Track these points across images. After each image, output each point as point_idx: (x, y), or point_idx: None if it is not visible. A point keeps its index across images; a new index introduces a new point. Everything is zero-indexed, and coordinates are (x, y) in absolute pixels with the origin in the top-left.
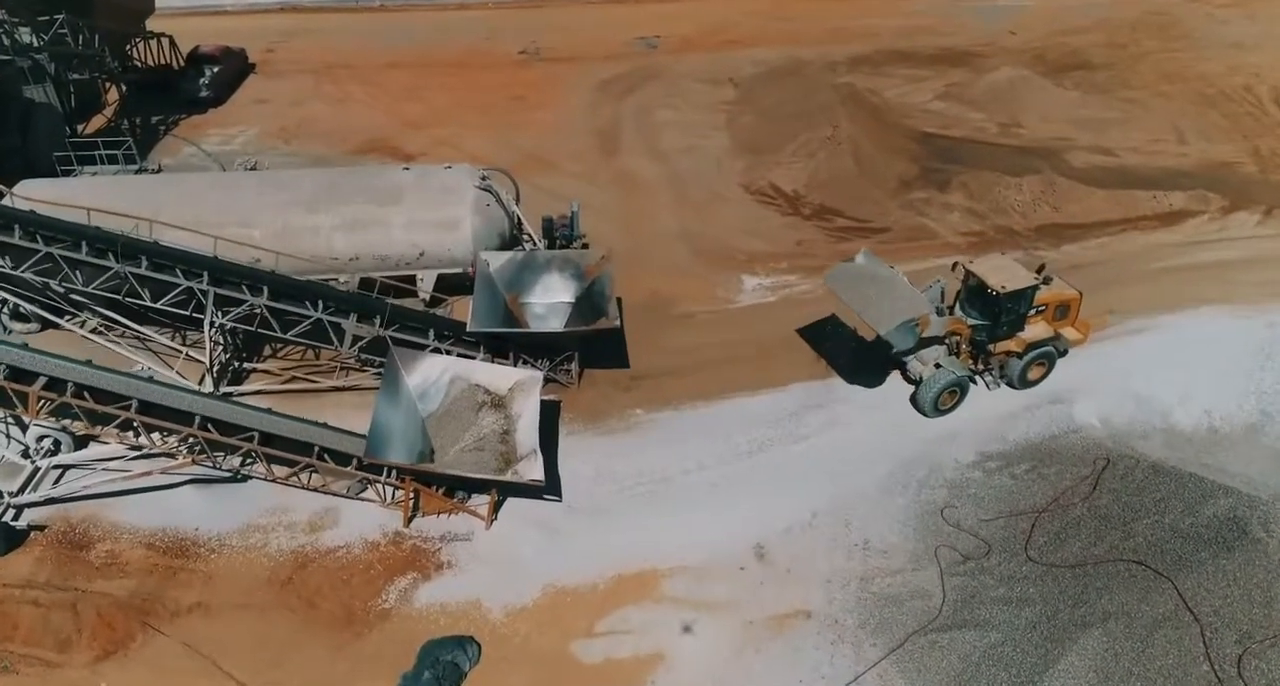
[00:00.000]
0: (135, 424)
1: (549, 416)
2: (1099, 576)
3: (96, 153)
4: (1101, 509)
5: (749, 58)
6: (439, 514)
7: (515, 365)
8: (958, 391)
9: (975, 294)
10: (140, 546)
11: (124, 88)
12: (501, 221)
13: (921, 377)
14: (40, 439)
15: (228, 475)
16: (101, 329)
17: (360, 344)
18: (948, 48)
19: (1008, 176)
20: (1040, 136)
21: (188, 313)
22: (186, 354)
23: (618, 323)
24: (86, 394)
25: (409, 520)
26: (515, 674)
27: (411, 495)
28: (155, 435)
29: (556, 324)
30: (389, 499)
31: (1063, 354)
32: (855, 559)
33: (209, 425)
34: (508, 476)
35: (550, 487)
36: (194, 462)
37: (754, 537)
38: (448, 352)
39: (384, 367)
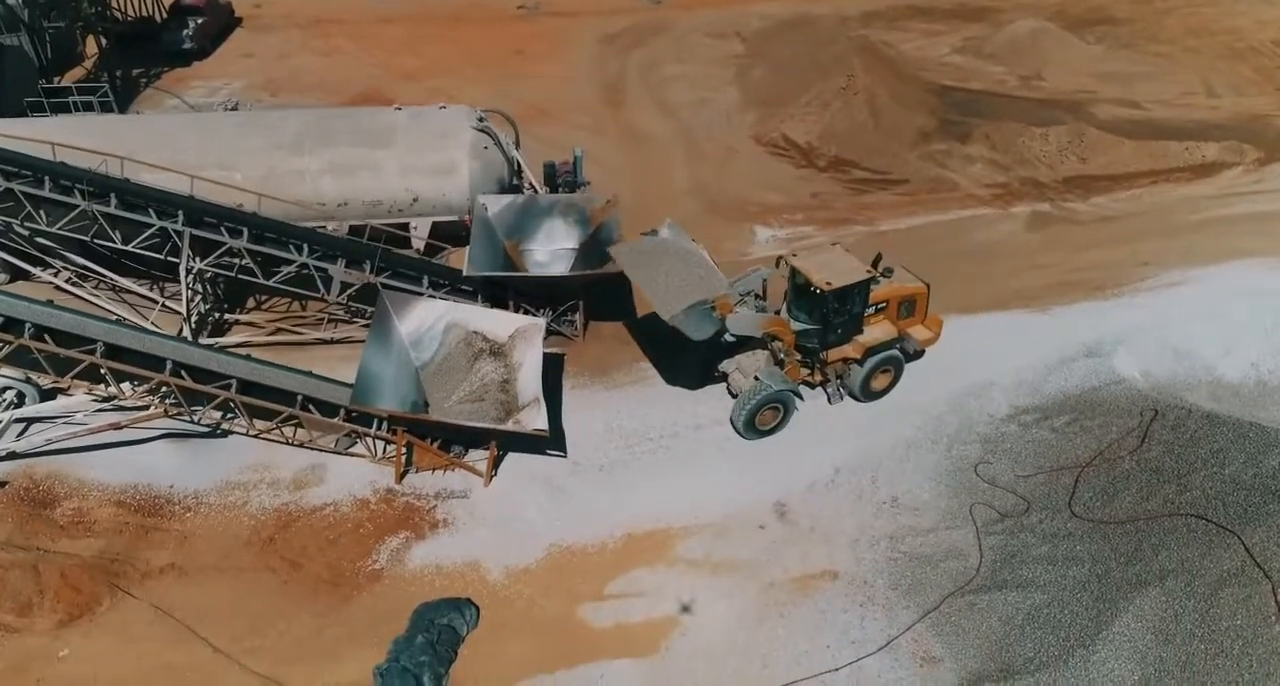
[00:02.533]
0: (102, 371)
1: (553, 370)
2: (1153, 532)
3: (70, 100)
4: (1152, 461)
5: (757, 12)
6: (434, 470)
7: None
8: (779, 409)
9: (801, 293)
10: (109, 504)
11: (104, 40)
12: (500, 166)
13: (739, 391)
14: (2, 391)
15: (206, 429)
16: (76, 280)
17: (349, 292)
18: (963, 3)
19: (1032, 127)
20: (1063, 89)
21: (162, 256)
22: (163, 304)
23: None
24: (47, 337)
25: (401, 476)
26: (517, 639)
27: (404, 450)
28: (126, 385)
29: (560, 270)
30: (380, 453)
31: (915, 356)
32: (884, 517)
33: (182, 372)
34: (509, 426)
35: (555, 443)
36: (167, 414)
37: (774, 495)
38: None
39: (373, 313)
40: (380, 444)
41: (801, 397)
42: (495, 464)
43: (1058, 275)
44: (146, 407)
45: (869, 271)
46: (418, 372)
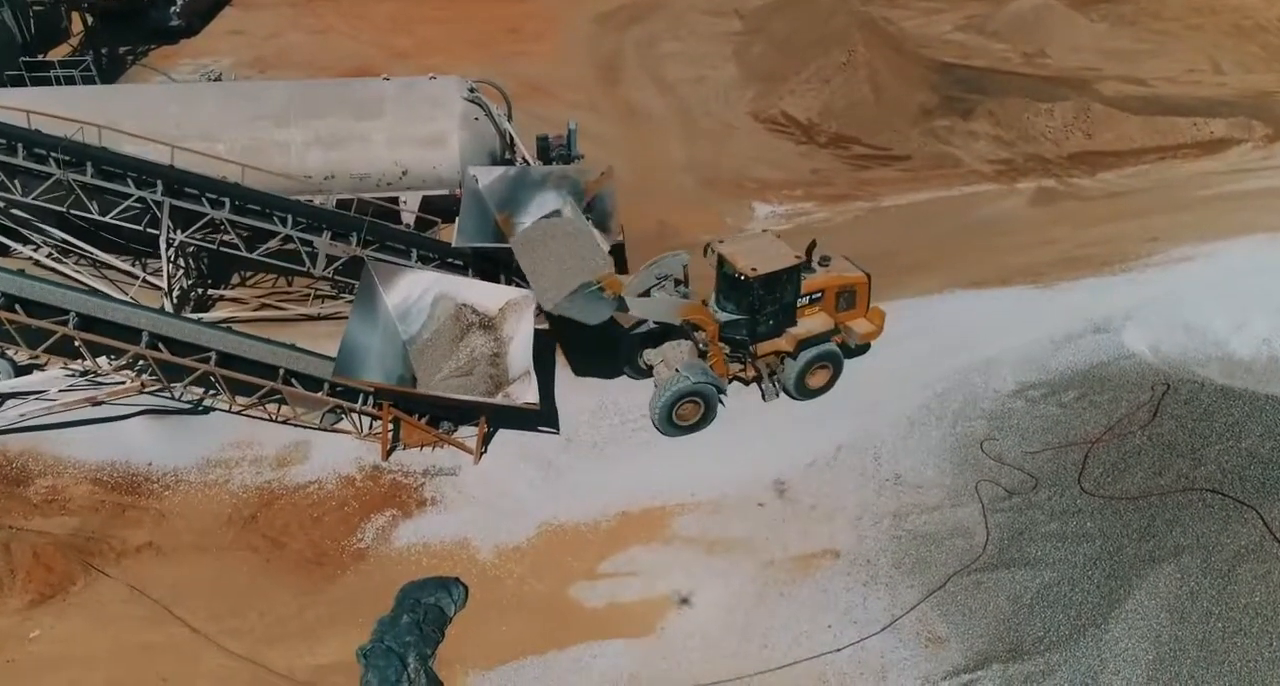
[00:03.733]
0: (76, 343)
1: (545, 345)
2: (1167, 508)
3: (52, 73)
4: (1165, 436)
5: None
6: (422, 447)
7: None
8: (700, 403)
9: (727, 281)
10: (85, 482)
11: (89, 17)
12: (492, 138)
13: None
14: None
15: (187, 406)
16: (57, 256)
17: (335, 266)
18: None
19: (1037, 103)
20: (1067, 66)
21: (141, 227)
22: (144, 280)
23: (620, 238)
24: (18, 307)
25: (388, 453)
26: (507, 618)
27: (390, 426)
28: (102, 360)
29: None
30: (366, 430)
31: (856, 351)
32: (886, 495)
33: (159, 345)
34: (498, 399)
35: (547, 420)
36: (144, 389)
37: (773, 472)
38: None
39: (358, 284)
40: (366, 420)
41: (724, 391)
42: (485, 440)
43: (1064, 250)
44: (124, 382)
45: (798, 257)
46: (405, 346)
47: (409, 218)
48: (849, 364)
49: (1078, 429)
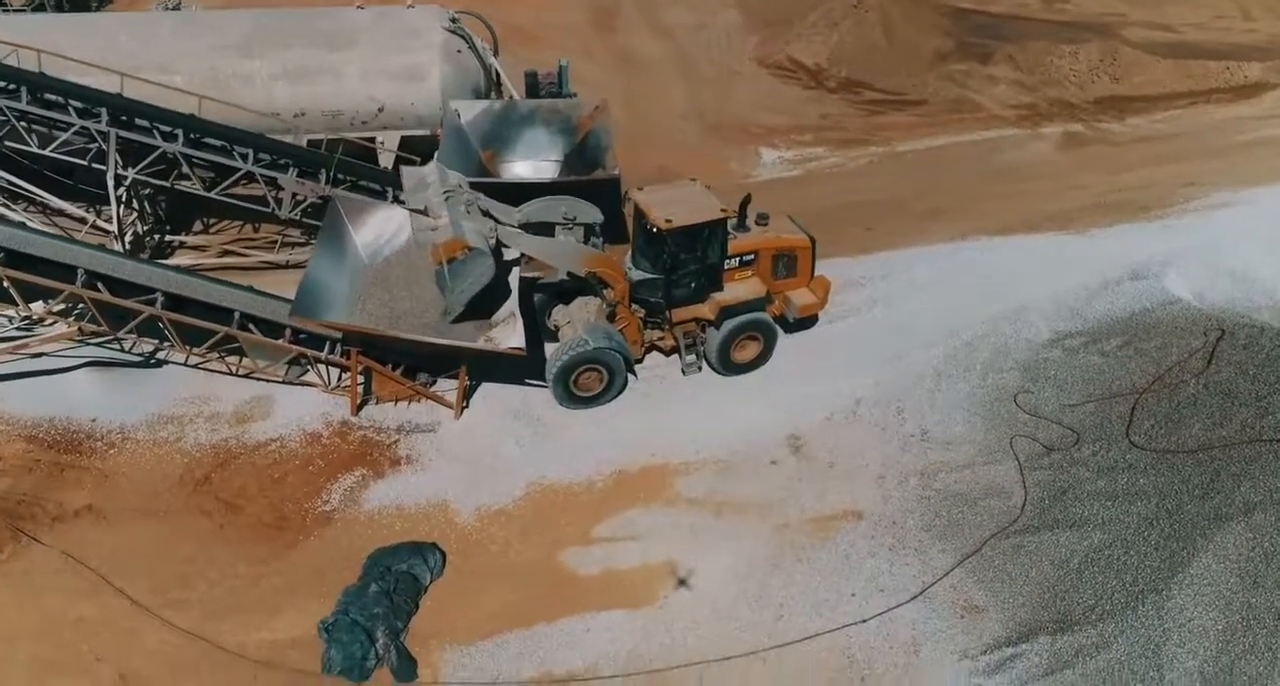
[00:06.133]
0: (4, 283)
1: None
2: (1232, 461)
3: (5, 9)
4: (1223, 384)
5: None
6: (396, 401)
7: None
8: (602, 372)
9: (643, 234)
10: (18, 439)
11: None
12: (476, 73)
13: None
14: None
15: (139, 358)
16: (4, 203)
17: (303, 207)
18: None
19: (1061, 45)
20: (1089, 12)
21: (85, 162)
22: (94, 224)
23: (617, 173)
24: None
25: (358, 407)
26: (490, 587)
27: (361, 378)
28: (38, 305)
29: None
30: (334, 382)
31: (796, 326)
32: (912, 451)
33: (99, 285)
34: (480, 343)
35: (536, 371)
36: (81, 334)
37: (787, 428)
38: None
39: (323, 220)
40: (336, 372)
41: (632, 361)
42: (467, 394)
43: (1094, 196)
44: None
45: (724, 211)
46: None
47: (387, 159)
48: (865, 312)
49: (1122, 379)
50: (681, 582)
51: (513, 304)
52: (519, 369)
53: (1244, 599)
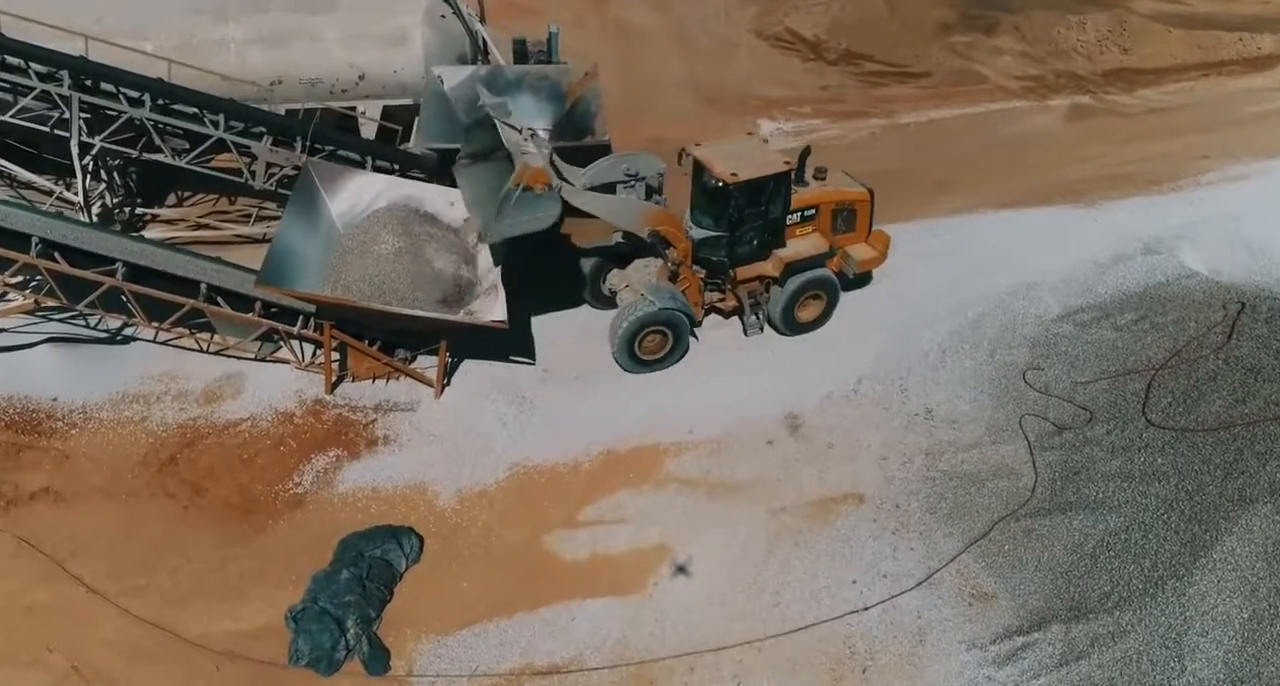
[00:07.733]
0: None
1: (521, 262)
2: (1257, 439)
3: None
4: (1244, 359)
5: None
6: (374, 378)
7: None
8: (666, 334)
9: (704, 191)
10: None
11: None
12: (461, 39)
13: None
14: None
15: (104, 335)
16: None
17: (278, 177)
18: None
19: (1068, 15)
20: None
21: (47, 129)
22: (59, 195)
23: (607, 137)
24: None
25: (333, 385)
26: (470, 572)
27: (336, 354)
28: None
29: (530, 148)
30: (308, 359)
31: (855, 282)
32: (916, 431)
33: (55, 255)
34: (460, 317)
35: (521, 348)
36: (38, 306)
37: (784, 407)
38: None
39: (295, 186)
40: (310, 348)
41: (695, 321)
42: (448, 371)
43: (1104, 168)
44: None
45: (788, 163)
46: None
47: (369, 130)
48: (868, 287)
49: (1137, 354)
50: (674, 568)
51: (495, 276)
52: (503, 344)
53: (1271, 584)
